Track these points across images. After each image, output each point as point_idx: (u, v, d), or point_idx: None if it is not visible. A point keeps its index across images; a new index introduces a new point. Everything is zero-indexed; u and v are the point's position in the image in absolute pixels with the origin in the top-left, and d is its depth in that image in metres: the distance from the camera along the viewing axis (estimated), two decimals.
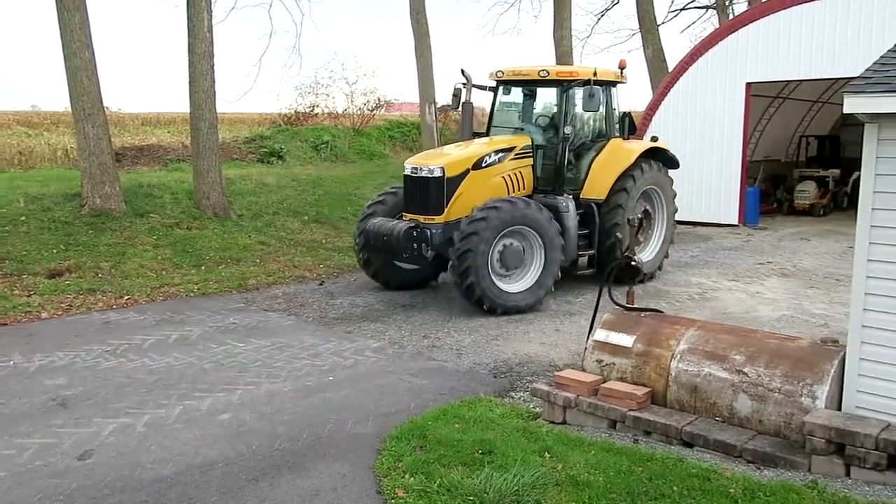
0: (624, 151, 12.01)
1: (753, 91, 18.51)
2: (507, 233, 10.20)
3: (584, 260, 11.59)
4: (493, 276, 10.11)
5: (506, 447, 5.77)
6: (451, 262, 10.04)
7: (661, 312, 7.20)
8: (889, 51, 5.96)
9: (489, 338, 9.26)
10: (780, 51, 17.37)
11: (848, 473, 5.26)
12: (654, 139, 12.91)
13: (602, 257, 11.56)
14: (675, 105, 19.32)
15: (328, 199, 17.87)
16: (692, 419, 6.02)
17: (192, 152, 15.88)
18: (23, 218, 13.17)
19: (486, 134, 12.27)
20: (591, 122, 12.38)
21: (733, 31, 18.39)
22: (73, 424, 6.47)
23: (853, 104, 5.37)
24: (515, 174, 11.25)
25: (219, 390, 7.33)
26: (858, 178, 5.60)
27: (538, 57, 74.94)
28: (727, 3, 31.45)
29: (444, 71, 69.55)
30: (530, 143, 11.49)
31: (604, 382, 6.49)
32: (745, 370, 5.94)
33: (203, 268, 12.71)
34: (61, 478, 5.49)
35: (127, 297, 11.00)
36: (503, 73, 12.00)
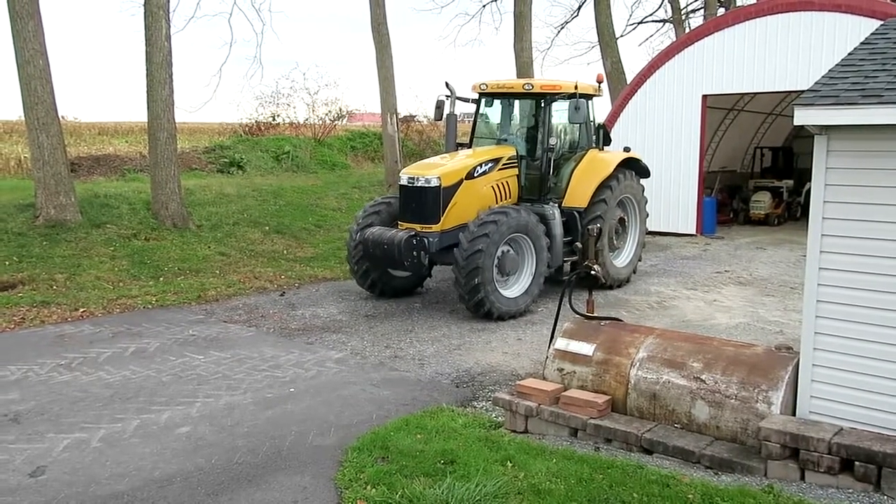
0: (602, 162, 12.47)
1: (709, 103, 18.89)
2: (506, 239, 10.56)
3: (568, 266, 11.95)
4: (495, 282, 10.46)
5: (468, 457, 5.77)
6: (457, 264, 10.21)
7: (621, 321, 7.28)
8: (837, 65, 6.14)
9: (451, 347, 9.27)
10: (735, 64, 17.78)
11: (803, 477, 5.37)
12: (627, 150, 13.32)
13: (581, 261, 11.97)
14: (633, 117, 19.63)
15: (289, 209, 17.75)
16: (652, 426, 6.09)
17: (150, 162, 15.66)
18: None
19: (470, 145, 12.55)
20: (570, 134, 12.81)
21: (689, 45, 18.77)
22: (25, 440, 6.31)
23: (803, 116, 5.52)
24: (503, 183, 11.58)
25: (177, 403, 7.21)
26: (811, 188, 5.75)
27: (499, 69, 75.50)
28: (684, 18, 32.11)
29: (405, 81, 69.67)
30: (515, 154, 11.84)
31: (565, 391, 6.54)
32: (703, 377, 6.04)
33: (161, 279, 12.52)
34: (12, 495, 5.34)
35: (82, 310, 10.76)
36: (487, 86, 12.30)
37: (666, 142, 18.96)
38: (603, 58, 26.71)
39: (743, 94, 20.05)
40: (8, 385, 7.71)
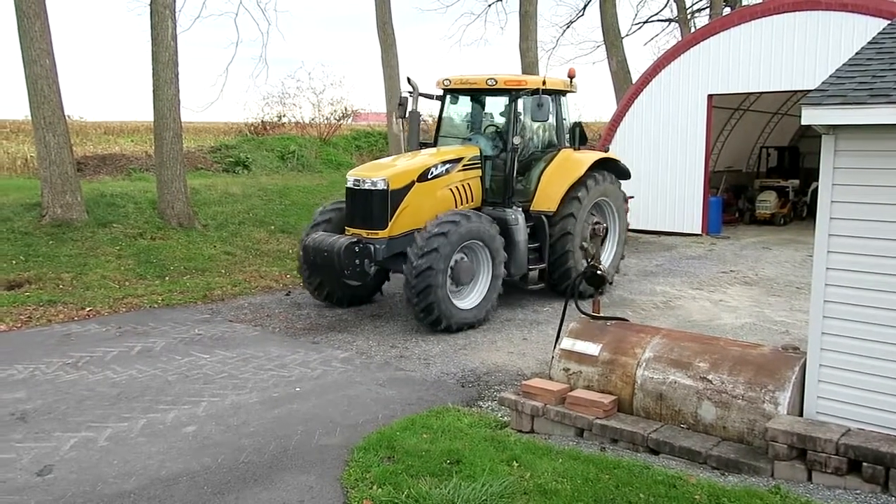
0: (574, 162, 11.70)
1: (715, 103, 18.86)
2: (460, 247, 9.91)
3: (534, 274, 11.31)
4: (449, 294, 9.84)
5: (474, 457, 5.77)
6: (407, 283, 9.58)
7: (627, 321, 7.27)
8: (845, 64, 6.12)
9: (457, 347, 9.27)
10: (741, 63, 17.75)
11: (810, 478, 5.35)
12: (606, 150, 13.01)
13: (553, 271, 11.37)
14: (639, 116, 19.60)
15: (295, 208, 17.76)
16: (658, 426, 6.08)
17: (156, 161, 15.68)
18: None
19: (434, 144, 11.91)
20: (541, 133, 12.12)
21: (695, 44, 18.74)
22: (32, 439, 6.33)
23: (810, 116, 5.50)
24: (463, 186, 10.90)
25: (183, 402, 7.22)
26: (817, 188, 5.73)
27: (505, 68, 75.52)
28: (689, 17, 32.03)
29: None
30: (479, 154, 11.15)
31: (571, 391, 6.53)
32: (709, 377, 6.02)
33: (167, 278, 12.54)
34: (20, 494, 5.36)
35: (89, 309, 10.79)
36: (450, 82, 11.65)
37: (671, 141, 18.94)
38: (608, 57, 26.66)
39: (749, 94, 20.01)
40: (15, 384, 7.74)
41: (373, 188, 10.04)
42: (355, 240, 9.84)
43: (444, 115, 12.20)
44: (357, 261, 9.74)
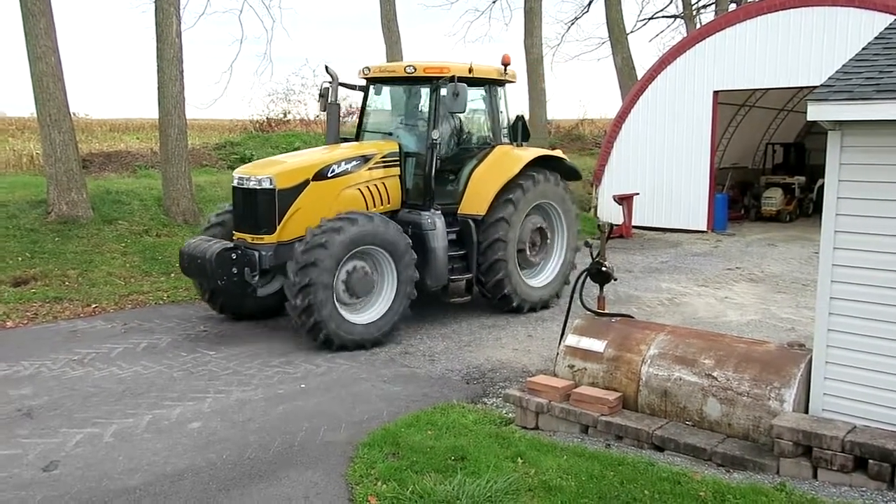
0: (509, 159, 10.46)
1: (721, 99, 18.80)
2: (352, 254, 8.83)
3: (460, 285, 10.15)
4: (340, 309, 8.76)
5: (478, 453, 5.78)
6: (287, 282, 8.62)
7: (632, 318, 7.26)
8: (851, 59, 6.09)
9: (461, 344, 9.27)
10: (747, 60, 17.69)
11: (815, 475, 5.34)
12: (553, 147, 11.78)
13: (485, 282, 10.29)
14: (644, 113, 19.56)
15: None
16: (663, 423, 6.08)
17: (161, 158, 15.70)
18: None
19: (357, 139, 10.84)
20: (476, 127, 11.08)
21: (701, 40, 18.68)
22: (38, 435, 6.35)
23: (817, 112, 5.48)
24: (376, 186, 9.83)
25: (189, 399, 7.24)
26: (823, 185, 5.71)
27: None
28: (695, 13, 31.94)
29: None
30: (397, 150, 10.07)
31: (576, 387, 6.53)
32: (715, 374, 6.01)
33: (173, 275, 12.55)
34: (26, 489, 5.38)
35: (94, 306, 10.83)
36: (370, 70, 10.60)
37: (677, 138, 18.89)
38: (613, 54, 26.62)
39: (754, 90, 19.95)
40: (21, 380, 7.77)
41: (257, 188, 9.02)
42: (231, 246, 8.94)
43: (367, 107, 11.09)
44: (234, 269, 8.77)
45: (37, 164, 18.36)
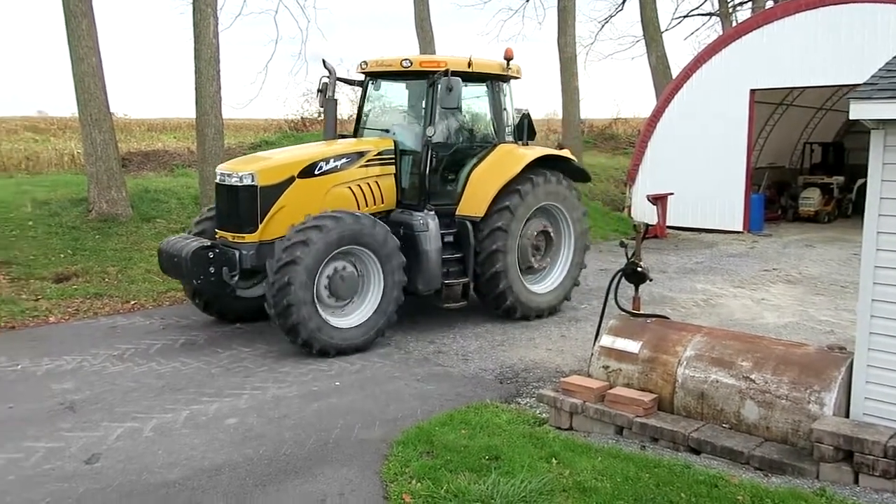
0: (511, 158, 9.99)
1: (757, 98, 18.55)
2: (336, 255, 8.48)
3: (456, 290, 9.69)
4: (321, 311, 8.42)
5: (512, 453, 5.78)
6: (266, 280, 8.29)
7: (668, 318, 7.20)
8: (894, 57, 5.97)
9: (494, 343, 9.27)
10: (784, 57, 17.41)
11: (856, 481, 5.25)
12: (559, 147, 11.40)
13: (484, 288, 9.89)
14: (679, 112, 19.36)
15: None
16: (699, 426, 6.02)
17: (198, 158, 15.90)
18: (30, 223, 13.21)
19: (355, 136, 10.54)
20: (477, 125, 10.66)
21: (737, 38, 18.45)
22: (80, 428, 6.49)
23: (859, 110, 5.38)
24: (369, 184, 9.48)
25: (225, 395, 7.34)
26: (863, 185, 5.61)
27: (542, 64, 75.07)
28: (731, 11, 31.51)
29: None
30: (392, 148, 9.72)
31: (610, 388, 6.49)
32: (752, 377, 5.94)
33: None
34: (69, 481, 5.51)
35: (133, 302, 11.03)
36: (367, 64, 10.23)
37: (712, 137, 18.65)
38: (648, 52, 26.40)
39: (792, 89, 19.63)
40: (64, 374, 7.95)
41: (239, 184, 8.69)
42: (208, 244, 8.67)
43: (366, 103, 10.70)
44: (211, 268, 8.49)
45: (78, 164, 18.73)
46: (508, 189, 9.78)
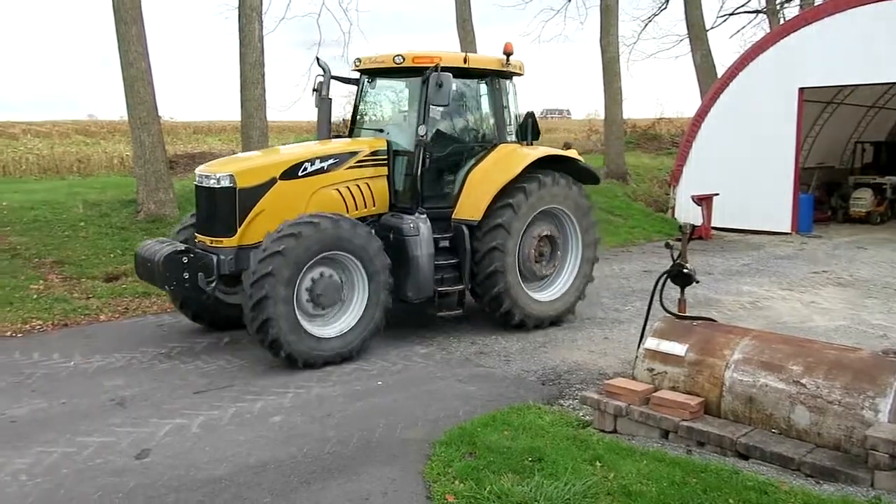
0: (512, 159, 9.49)
1: (806, 96, 18.13)
2: (316, 262, 8.09)
3: (451, 298, 9.28)
4: (303, 322, 8.04)
5: (556, 455, 5.73)
6: (244, 293, 7.88)
7: (714, 321, 7.07)
8: None
9: (536, 345, 9.22)
10: (835, 55, 16.96)
11: None
12: (567, 146, 10.92)
13: (482, 295, 9.47)
14: (724, 111, 19.02)
15: None
16: (747, 430, 5.90)
17: None
18: (82, 223, 13.56)
19: (350, 135, 10.24)
20: (476, 123, 10.17)
21: (785, 36, 18.06)
22: (130, 424, 6.63)
23: None
24: (360, 186, 9.10)
25: (270, 393, 7.43)
26: None
27: (585, 65, 74.45)
28: (778, 8, 30.88)
29: None
30: (385, 148, 9.32)
31: (655, 391, 6.40)
32: (803, 381, 5.80)
33: None
34: (120, 476, 5.63)
35: None
36: (361, 61, 9.83)
37: (759, 137, 18.26)
38: (692, 51, 26.01)
39: (843, 87, 19.15)
40: (114, 371, 8.13)
41: (216, 186, 8.32)
42: (182, 249, 8.32)
43: (360, 101, 10.30)
44: (185, 274, 8.14)
45: (127, 166, 19.20)
46: (512, 187, 9.31)
